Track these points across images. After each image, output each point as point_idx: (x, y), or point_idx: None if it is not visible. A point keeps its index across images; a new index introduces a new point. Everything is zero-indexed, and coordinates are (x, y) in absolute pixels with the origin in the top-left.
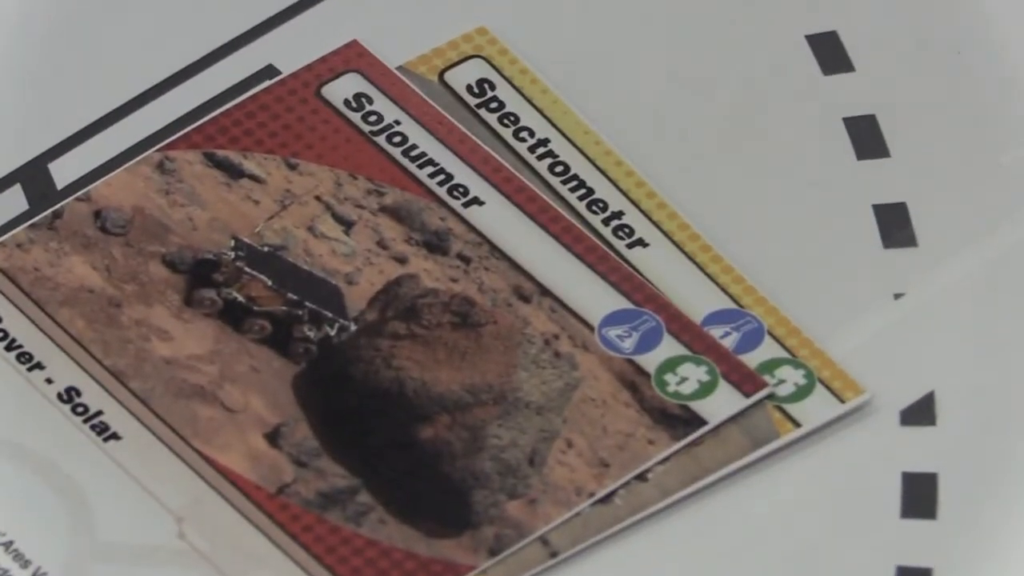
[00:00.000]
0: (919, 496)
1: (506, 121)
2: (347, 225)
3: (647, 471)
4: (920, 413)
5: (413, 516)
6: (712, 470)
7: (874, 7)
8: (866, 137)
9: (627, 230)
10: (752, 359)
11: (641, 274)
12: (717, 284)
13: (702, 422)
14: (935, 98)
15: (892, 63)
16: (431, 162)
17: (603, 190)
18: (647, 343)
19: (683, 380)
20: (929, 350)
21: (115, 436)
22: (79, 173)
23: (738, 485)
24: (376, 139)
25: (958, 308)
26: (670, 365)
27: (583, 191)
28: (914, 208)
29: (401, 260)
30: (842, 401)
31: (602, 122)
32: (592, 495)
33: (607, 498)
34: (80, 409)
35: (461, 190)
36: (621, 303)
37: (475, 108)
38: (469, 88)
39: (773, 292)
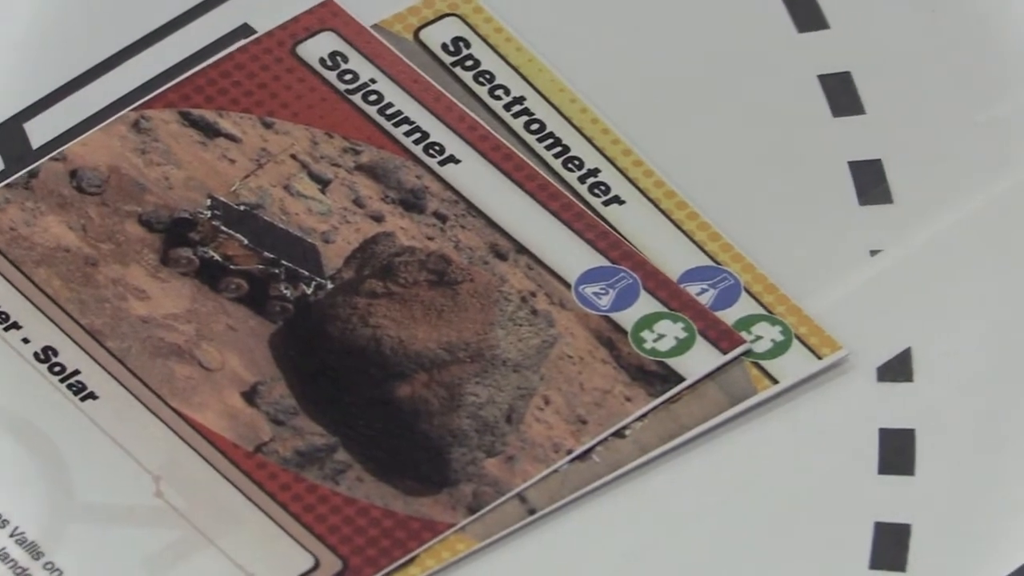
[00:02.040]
0: (897, 452)
1: (481, 79)
2: (323, 184)
3: (625, 428)
4: (897, 369)
5: (391, 474)
6: (690, 427)
7: None
8: (841, 94)
9: (603, 187)
10: (729, 316)
11: (617, 231)
12: (693, 241)
13: (679, 379)
14: (910, 55)
15: (867, 20)
16: (407, 120)
17: (579, 147)
18: (624, 300)
19: (660, 337)
20: (906, 307)
21: (92, 395)
22: (54, 133)
23: (716, 441)
24: (352, 97)
25: (934, 265)
26: (647, 322)
27: (559, 149)
28: (889, 165)
29: (377, 218)
30: (819, 357)
31: (577, 80)
32: (570, 452)
33: (585, 455)
34: (57, 368)
35: (437, 148)
36: (597, 260)
37: (450, 66)
38: (444, 46)
39: (749, 249)
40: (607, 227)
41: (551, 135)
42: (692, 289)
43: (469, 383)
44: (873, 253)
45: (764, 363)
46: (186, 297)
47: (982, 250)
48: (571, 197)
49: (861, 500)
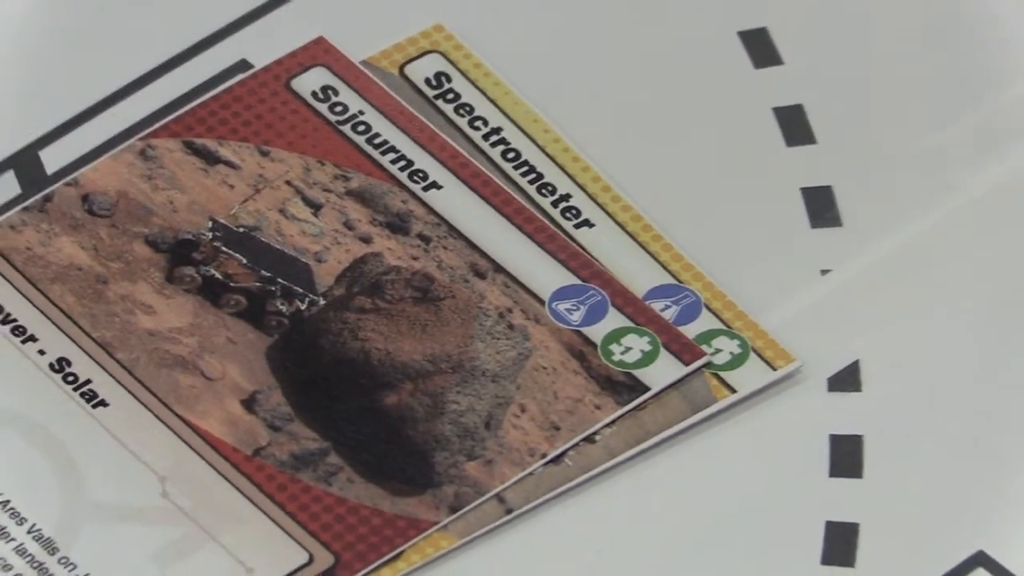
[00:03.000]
0: (846, 457)
1: (461, 111)
2: (316, 208)
3: (595, 434)
4: (846, 380)
5: (379, 476)
6: (654, 433)
7: (801, 5)
8: (794, 125)
9: (574, 211)
10: (690, 330)
11: (587, 252)
12: (658, 261)
13: (645, 388)
14: (858, 89)
15: (817, 57)
16: (393, 149)
17: (552, 175)
18: (593, 316)
19: (627, 350)
20: (854, 322)
21: (103, 403)
22: (68, 160)
23: (678, 447)
24: (342, 128)
25: (881, 283)
26: (615, 336)
27: (533, 175)
28: (839, 191)
29: (366, 240)
30: (774, 369)
31: (551, 112)
32: (544, 456)
33: (558, 459)
34: (70, 378)
35: (421, 175)
36: (569, 279)
37: (433, 99)
38: (427, 81)
39: (709, 268)
40: (578, 248)
41: (526, 163)
42: (656, 305)
43: (451, 392)
44: (824, 272)
45: (723, 374)
46: (189, 312)
47: (925, 269)
48: (545, 220)
49: (813, 501)
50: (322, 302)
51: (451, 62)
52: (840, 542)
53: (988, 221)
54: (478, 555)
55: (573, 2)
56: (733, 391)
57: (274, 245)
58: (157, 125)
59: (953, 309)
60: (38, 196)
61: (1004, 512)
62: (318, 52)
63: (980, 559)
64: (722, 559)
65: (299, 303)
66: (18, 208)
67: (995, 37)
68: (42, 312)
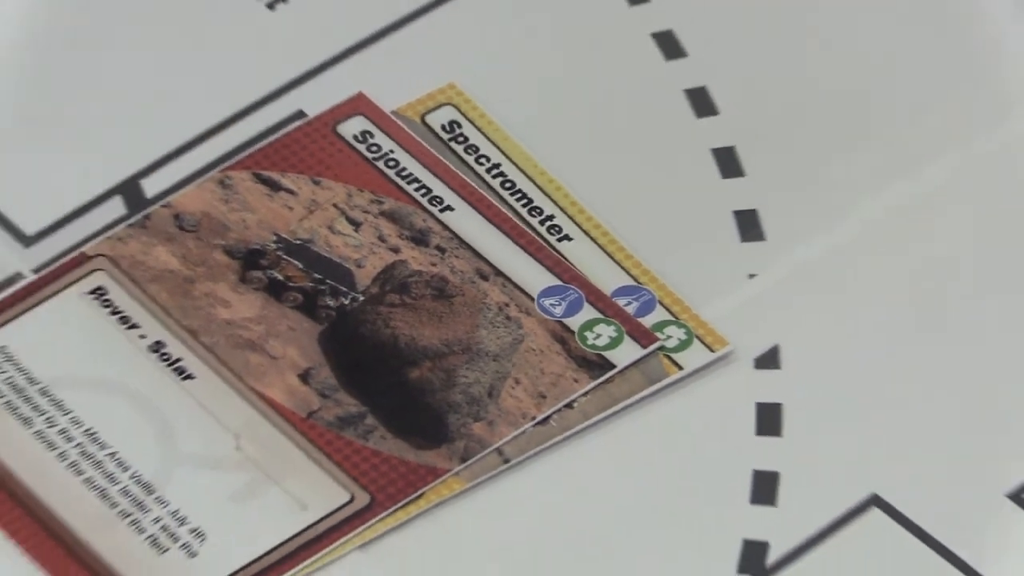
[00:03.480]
0: (768, 419)
1: (469, 151)
2: (356, 225)
3: (573, 401)
4: (769, 360)
5: (405, 434)
6: (620, 400)
7: (736, 67)
8: (728, 162)
9: (557, 228)
10: (647, 321)
11: (567, 260)
12: (621, 267)
13: (612, 366)
14: (781, 133)
15: (748, 108)
16: (416, 180)
17: (539, 199)
18: (572, 309)
19: (598, 336)
20: (775, 314)
21: (190, 376)
22: (162, 187)
23: (638, 411)
24: (376, 163)
25: (795, 284)
26: (588, 325)
27: (524, 200)
28: (763, 214)
29: (395, 250)
30: (712, 351)
31: (538, 151)
32: (534, 418)
33: (544, 421)
34: (165, 357)
35: (438, 200)
36: (553, 281)
37: (447, 141)
38: (443, 127)
39: (662, 273)
40: (559, 257)
41: (519, 191)
42: (621, 302)
43: (461, 369)
44: (751, 276)
45: (673, 355)
46: (257, 306)
47: (831, 274)
48: (534, 235)
49: (743, 454)
50: (361, 299)
51: (461, 113)
52: (764, 487)
53: (888, 236)
54: (482, 495)
55: (555, 68)
56: (680, 368)
57: (324, 254)
58: (233, 160)
59: (853, 307)
60: (139, 215)
61: (893, 464)
62: (358, 104)
63: (874, 500)
64: (672, 497)
65: (343, 299)
66: (124, 224)
67: (904, 73)
68: (143, 306)
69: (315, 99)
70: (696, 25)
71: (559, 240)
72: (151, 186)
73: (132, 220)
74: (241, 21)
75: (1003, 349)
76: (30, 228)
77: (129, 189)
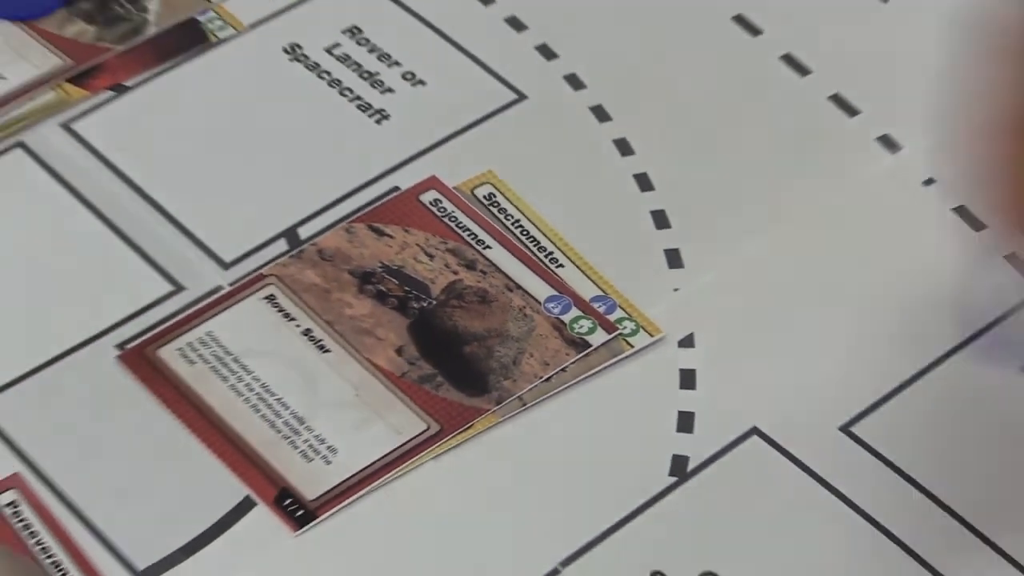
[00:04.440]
0: (687, 380)
1: (500, 212)
2: (431, 257)
3: (565, 367)
4: (687, 342)
5: (461, 387)
6: (594, 367)
7: (671, 153)
8: (661, 221)
9: (554, 259)
10: (611, 317)
11: (561, 279)
12: (595, 284)
13: (589, 345)
14: (699, 187)
15: (677, 182)
16: (468, 229)
17: (544, 242)
18: (564, 310)
19: (581, 326)
20: (691, 314)
21: (328, 350)
22: (311, 232)
23: (605, 374)
24: (443, 219)
25: (704, 295)
26: (575, 320)
27: (534, 242)
28: (683, 250)
29: (455, 273)
30: (651, 336)
31: (543, 212)
32: (541, 378)
33: (548, 379)
34: (312, 338)
35: (481, 241)
36: (552, 292)
37: (487, 206)
38: (484, 197)
39: (620, 288)
40: (557, 277)
41: (532, 236)
42: (595, 305)
43: (496, 347)
44: (675, 290)
45: (627, 339)
46: (369, 307)
47: (731, 286)
48: (540, 263)
49: (671, 401)
50: (434, 303)
51: (496, 189)
52: (685, 421)
53: (786, 247)
54: (508, 426)
55: (553, 171)
56: (632, 347)
57: (411, 275)
58: (354, 216)
59: (744, 307)
60: (296, 250)
61: (768, 406)
62: (432, 183)
63: (754, 431)
64: (625, 427)
65: (423, 303)
66: (286, 256)
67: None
68: (297, 307)
69: (405, 179)
70: (621, 99)
71: (556, 267)
72: (304, 232)
73: (291, 253)
74: (363, 131)
75: (846, 325)
76: (228, 257)
77: (290, 234)
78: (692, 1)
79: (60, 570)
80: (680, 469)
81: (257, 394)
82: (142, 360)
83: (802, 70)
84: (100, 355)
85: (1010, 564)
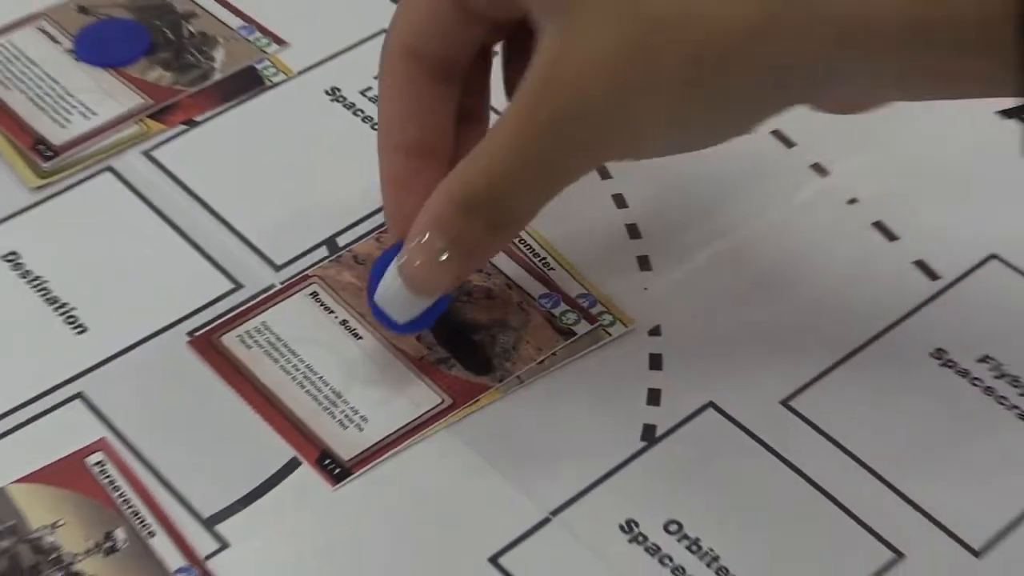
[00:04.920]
0: (655, 362)
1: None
2: None
3: (555, 352)
4: (655, 332)
5: (470, 368)
6: (578, 351)
7: (642, 178)
8: (634, 231)
9: (547, 263)
10: (592, 311)
11: (553, 280)
12: (580, 284)
13: (574, 333)
14: (665, 205)
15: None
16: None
17: (538, 250)
18: (555, 305)
19: (568, 318)
20: (657, 308)
21: (361, 337)
22: (347, 241)
23: (587, 358)
24: None
25: (668, 292)
26: (564, 313)
27: (531, 251)
28: (652, 258)
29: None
30: (626, 327)
31: (542, 228)
32: (535, 360)
33: (541, 361)
34: (347, 327)
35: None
36: (545, 290)
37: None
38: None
39: (600, 286)
40: (549, 278)
41: (529, 246)
42: (579, 301)
43: (499, 336)
44: (645, 289)
45: (606, 328)
46: None
47: (691, 285)
48: (536, 267)
49: (641, 380)
50: (452, 298)
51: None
52: (653, 396)
53: (737, 254)
54: (508, 400)
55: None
56: (609, 335)
57: None
58: (381, 229)
59: (703, 304)
60: (334, 256)
61: (724, 383)
62: None
63: (710, 405)
64: (603, 399)
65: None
66: (327, 260)
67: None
68: (336, 301)
69: None
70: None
71: (548, 270)
72: (342, 240)
73: (331, 258)
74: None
75: (786, 317)
76: (279, 260)
77: (330, 242)
78: None
79: (138, 518)
80: (649, 436)
81: (302, 373)
82: (208, 345)
83: None
84: (174, 341)
85: (929, 520)
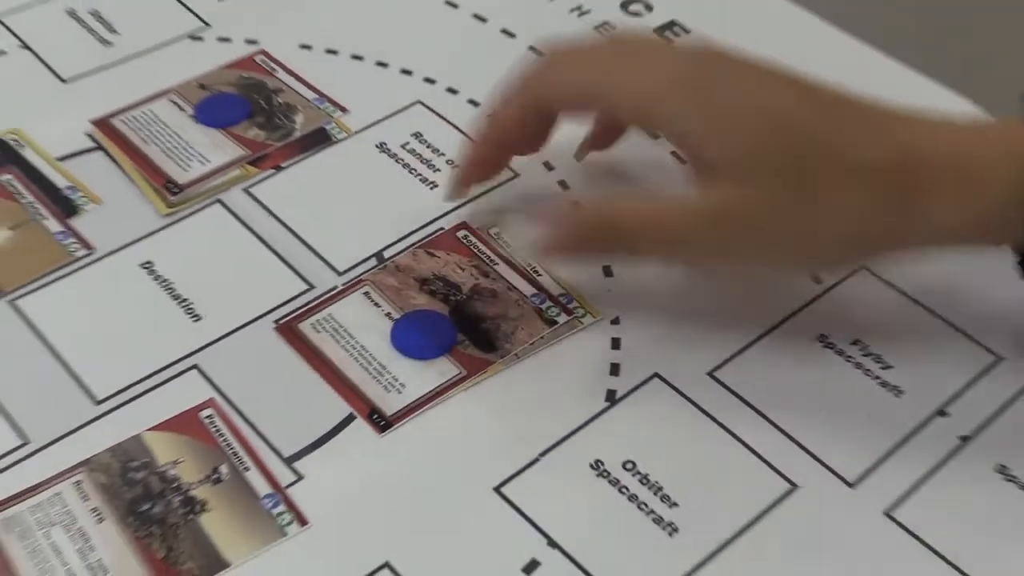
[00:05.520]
0: (615, 344)
1: (503, 244)
2: (462, 269)
3: (543, 336)
4: (616, 321)
5: (479, 348)
6: (560, 335)
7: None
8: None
9: (536, 271)
10: (570, 306)
11: (541, 283)
12: (561, 286)
13: (556, 323)
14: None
15: None
16: (484, 253)
17: (536, 268)
18: (542, 301)
19: (552, 311)
20: (619, 304)
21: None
22: (392, 254)
23: (565, 340)
24: (470, 247)
25: (629, 293)
26: (548, 308)
27: (532, 269)
28: (614, 267)
29: (477, 279)
30: (595, 318)
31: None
32: (528, 343)
33: (532, 343)
34: (391, 318)
35: (493, 261)
36: (536, 291)
37: (497, 239)
38: (495, 233)
39: (576, 287)
40: (539, 282)
41: (530, 265)
42: (560, 299)
43: (501, 324)
44: (608, 290)
45: (579, 319)
46: (426, 299)
47: (643, 289)
48: (528, 274)
49: (605, 357)
50: (464, 297)
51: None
52: (614, 368)
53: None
54: (508, 372)
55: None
56: (582, 324)
57: (451, 279)
58: (416, 245)
59: (654, 300)
60: (381, 265)
61: (667, 356)
62: (463, 226)
63: (656, 375)
64: (576, 372)
65: (458, 297)
66: (375, 268)
67: None
68: (383, 299)
69: (447, 223)
70: None
71: (537, 275)
72: (387, 253)
73: (378, 266)
74: (421, 194)
75: (713, 305)
76: (341, 268)
77: (379, 255)
78: None
79: (237, 457)
80: (611, 398)
81: (357, 351)
82: (289, 330)
83: None
84: (263, 327)
85: (816, 460)
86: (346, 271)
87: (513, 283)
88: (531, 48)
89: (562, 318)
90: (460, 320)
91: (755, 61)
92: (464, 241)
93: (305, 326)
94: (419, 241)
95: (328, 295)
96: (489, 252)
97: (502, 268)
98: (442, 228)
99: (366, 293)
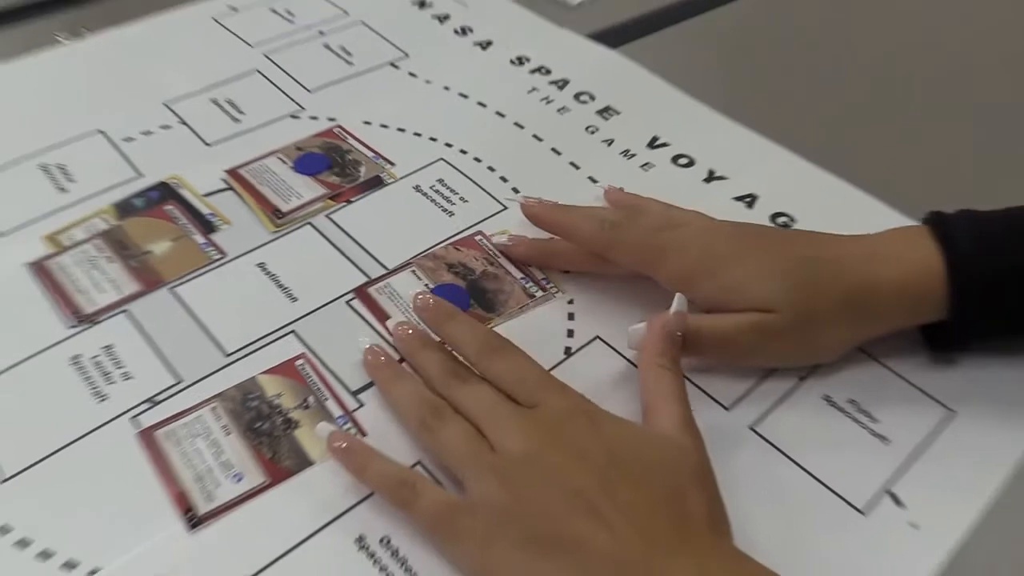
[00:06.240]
0: (571, 317)
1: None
2: (476, 260)
3: (527, 305)
4: (572, 300)
5: (484, 310)
6: (537, 304)
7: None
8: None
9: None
10: (547, 286)
11: (528, 271)
12: (543, 276)
13: (535, 297)
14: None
15: None
16: (492, 251)
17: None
18: (527, 282)
19: (533, 288)
20: (575, 287)
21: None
22: (426, 249)
23: (538, 308)
24: (483, 246)
25: (582, 281)
26: (531, 285)
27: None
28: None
29: (484, 265)
30: (562, 295)
31: None
32: (517, 307)
33: (521, 308)
34: (428, 287)
35: (497, 255)
36: (523, 275)
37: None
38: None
39: (550, 275)
40: (526, 270)
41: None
42: (541, 281)
43: (499, 295)
44: (569, 303)
45: (552, 295)
46: (451, 278)
47: (592, 279)
48: (519, 266)
49: (564, 324)
50: (477, 276)
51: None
52: (570, 333)
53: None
54: (505, 325)
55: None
56: (554, 298)
57: (468, 265)
58: (442, 245)
59: (603, 290)
60: (423, 253)
61: (604, 325)
62: (479, 233)
63: (597, 338)
64: (544, 336)
65: (472, 276)
66: (419, 256)
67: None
68: (424, 277)
69: (467, 234)
70: None
71: (527, 267)
72: (425, 250)
73: (421, 255)
74: (442, 219)
75: (638, 294)
76: (390, 265)
77: (420, 252)
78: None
79: (319, 391)
80: (568, 352)
81: (406, 307)
82: (365, 296)
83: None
84: (338, 305)
85: (702, 392)
86: (396, 269)
87: (509, 270)
88: (590, 178)
89: (539, 294)
90: (473, 291)
91: (758, 228)
92: (479, 241)
93: (374, 293)
94: (442, 241)
95: (388, 274)
96: (494, 251)
97: (502, 260)
98: (462, 235)
99: (413, 272)
